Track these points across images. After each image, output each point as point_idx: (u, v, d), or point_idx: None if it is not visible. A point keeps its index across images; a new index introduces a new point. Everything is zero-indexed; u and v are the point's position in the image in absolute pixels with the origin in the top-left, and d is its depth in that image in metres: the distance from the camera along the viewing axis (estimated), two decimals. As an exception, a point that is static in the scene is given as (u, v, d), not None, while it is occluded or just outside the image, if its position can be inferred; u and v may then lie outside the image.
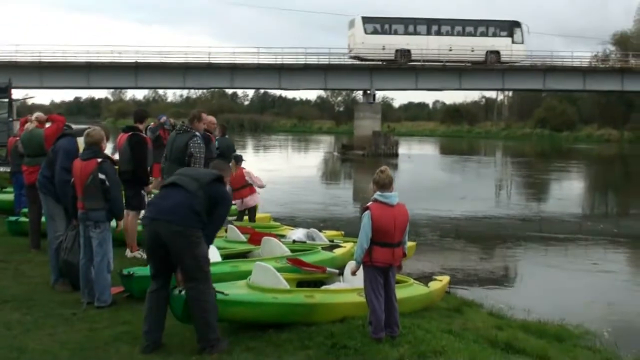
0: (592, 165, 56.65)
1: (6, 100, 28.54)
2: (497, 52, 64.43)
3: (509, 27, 65.40)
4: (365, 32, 63.85)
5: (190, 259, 6.71)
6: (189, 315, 6.95)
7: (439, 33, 64.61)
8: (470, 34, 65.06)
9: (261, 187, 14.70)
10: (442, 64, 64.82)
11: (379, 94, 70.46)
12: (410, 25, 65.07)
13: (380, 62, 64.93)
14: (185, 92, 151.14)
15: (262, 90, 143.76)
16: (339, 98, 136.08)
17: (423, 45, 63.29)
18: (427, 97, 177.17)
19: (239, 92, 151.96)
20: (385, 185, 7.37)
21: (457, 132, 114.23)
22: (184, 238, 6.66)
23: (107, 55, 62.22)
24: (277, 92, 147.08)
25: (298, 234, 12.15)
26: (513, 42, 64.75)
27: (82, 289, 8.52)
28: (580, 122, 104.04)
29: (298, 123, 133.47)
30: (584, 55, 68.76)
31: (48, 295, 8.92)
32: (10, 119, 27.01)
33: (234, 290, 7.53)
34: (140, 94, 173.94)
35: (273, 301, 7.55)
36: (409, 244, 9.98)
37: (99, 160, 8.36)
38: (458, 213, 25.72)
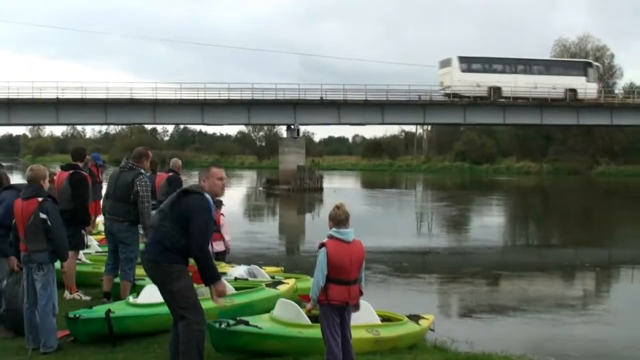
0: (513, 197, 57.80)
1: None
2: (574, 90, 67.21)
3: (584, 67, 69.22)
4: (461, 71, 66.15)
5: (167, 294, 6.72)
6: (225, 346, 7.84)
7: (524, 72, 67.50)
8: (551, 73, 67.84)
9: (227, 247, 14.21)
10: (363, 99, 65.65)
11: (301, 129, 70.72)
12: (500, 64, 67.93)
13: (470, 98, 66.54)
14: (104, 128, 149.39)
15: (182, 126, 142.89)
16: (261, 133, 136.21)
17: (512, 83, 65.81)
18: (347, 132, 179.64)
19: (159, 127, 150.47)
20: (341, 221, 7.28)
21: (379, 165, 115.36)
22: (159, 273, 6.66)
23: (27, 92, 60.82)
24: (198, 128, 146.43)
25: (239, 270, 11.97)
26: (587, 80, 67.81)
27: (26, 334, 8.14)
28: (499, 155, 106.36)
29: (220, 158, 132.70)
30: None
31: (-10, 342, 8.53)
32: None
33: (262, 324, 7.96)
34: (58, 131, 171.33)
35: (299, 335, 8.03)
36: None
37: (40, 199, 8.06)
38: (387, 246, 25.83)
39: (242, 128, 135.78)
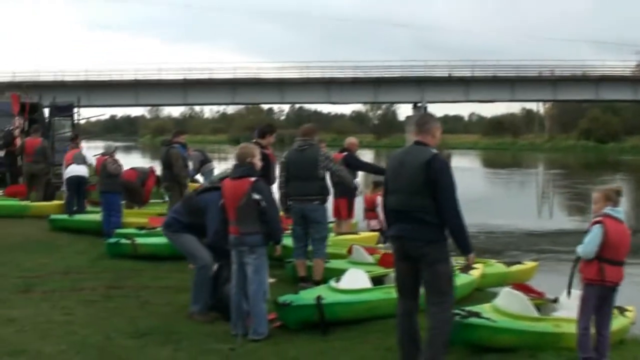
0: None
1: (69, 119, 27.20)
2: None
3: None
4: None
5: (431, 275, 6.27)
6: (460, 339, 7.08)
7: None
8: None
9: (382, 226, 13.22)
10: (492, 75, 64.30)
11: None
12: None
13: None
14: (221, 109, 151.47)
15: (297, 105, 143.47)
16: (379, 112, 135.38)
17: None
18: (462, 110, 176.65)
19: (275, 107, 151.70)
20: (618, 203, 7.04)
21: (501, 144, 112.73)
22: (431, 252, 6.22)
23: (153, 73, 62.30)
24: (312, 107, 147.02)
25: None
26: None
27: (233, 320, 7.76)
28: (623, 133, 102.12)
29: (337, 137, 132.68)
30: (628, 64, 68.35)
31: (190, 327, 8.12)
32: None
33: (493, 317, 7.38)
34: (176, 111, 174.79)
35: (530, 329, 7.40)
36: (530, 264, 11.15)
37: (252, 179, 7.66)
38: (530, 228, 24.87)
39: (359, 107, 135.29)
